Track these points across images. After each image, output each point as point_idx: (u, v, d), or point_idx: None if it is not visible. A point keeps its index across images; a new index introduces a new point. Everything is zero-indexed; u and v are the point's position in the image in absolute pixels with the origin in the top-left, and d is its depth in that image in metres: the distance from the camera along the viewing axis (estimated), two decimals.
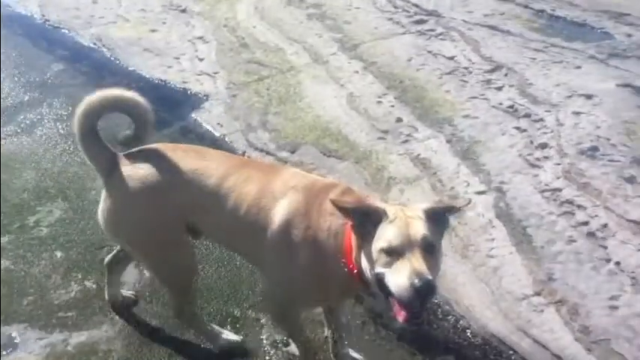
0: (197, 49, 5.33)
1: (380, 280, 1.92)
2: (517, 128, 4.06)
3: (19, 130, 4.39)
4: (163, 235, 2.40)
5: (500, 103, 4.33)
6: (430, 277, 1.81)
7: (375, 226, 1.94)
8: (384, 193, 3.60)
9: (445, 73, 4.74)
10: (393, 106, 4.41)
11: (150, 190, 2.34)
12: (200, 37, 5.50)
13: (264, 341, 2.83)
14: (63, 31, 5.74)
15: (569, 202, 3.42)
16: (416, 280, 1.79)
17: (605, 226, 3.25)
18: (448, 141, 4.00)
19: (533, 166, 3.72)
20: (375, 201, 2.20)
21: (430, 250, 1.90)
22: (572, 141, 3.88)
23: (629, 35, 5.09)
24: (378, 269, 1.91)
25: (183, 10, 6.00)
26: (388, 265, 1.88)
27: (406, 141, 4.04)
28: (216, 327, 2.81)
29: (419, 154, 3.90)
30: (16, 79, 5.04)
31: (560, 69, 4.68)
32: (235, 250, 2.80)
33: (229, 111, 4.52)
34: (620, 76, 4.51)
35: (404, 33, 5.37)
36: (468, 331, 2.85)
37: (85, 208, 3.58)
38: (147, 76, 4.97)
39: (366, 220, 1.96)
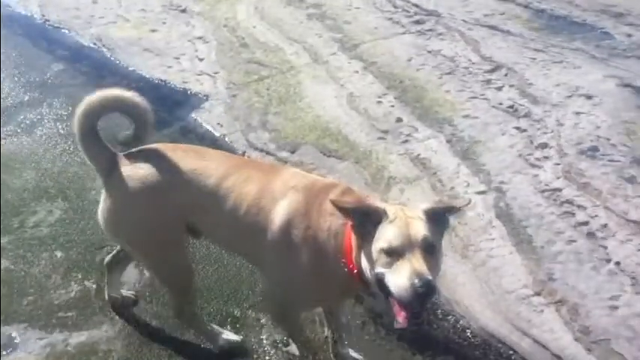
0: (197, 49, 5.33)
1: (380, 280, 1.91)
2: (517, 128, 4.06)
3: (19, 130, 4.39)
4: (163, 235, 2.40)
5: (501, 103, 4.33)
6: (430, 278, 1.81)
7: (375, 227, 1.94)
8: (384, 193, 3.60)
9: (445, 73, 4.74)
10: (393, 106, 4.41)
11: (150, 190, 2.34)
12: (200, 37, 5.50)
13: (264, 341, 2.83)
14: (63, 31, 5.73)
15: (569, 202, 3.42)
16: (416, 281, 1.79)
17: (605, 226, 3.25)
18: (448, 141, 4.00)
19: (533, 166, 3.72)
20: (375, 201, 2.19)
21: (430, 250, 1.90)
22: (572, 141, 3.88)
23: (629, 35, 5.09)
24: (378, 269, 1.91)
25: (184, 10, 6.00)
26: (388, 265, 1.88)
27: (406, 141, 4.04)
28: (216, 327, 2.81)
29: (419, 154, 3.90)
30: (16, 79, 5.03)
31: (560, 69, 4.68)
32: (235, 251, 2.79)
33: (229, 111, 4.52)
34: (621, 76, 4.51)
35: (404, 33, 5.37)
36: (467, 331, 2.85)
37: (85, 208, 3.58)
38: (147, 76, 4.97)
39: (366, 220, 1.96)
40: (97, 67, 5.16)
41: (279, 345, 2.81)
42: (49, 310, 2.97)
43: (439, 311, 2.92)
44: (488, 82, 4.59)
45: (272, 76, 4.88)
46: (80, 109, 2.32)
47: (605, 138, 3.88)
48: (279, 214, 2.20)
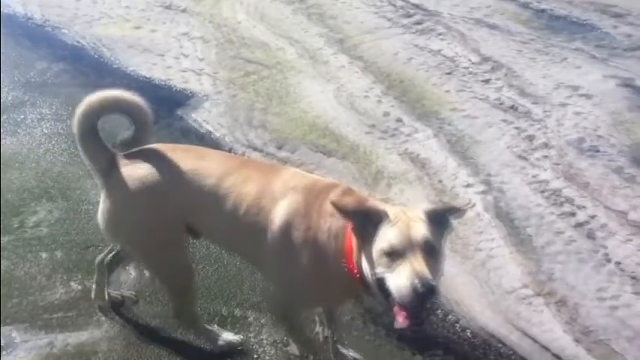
0: (197, 49, 5.32)
1: (380, 281, 1.91)
2: (517, 128, 4.07)
3: (19, 130, 4.39)
4: (163, 235, 2.39)
5: (500, 103, 4.33)
6: (431, 279, 1.80)
7: (376, 228, 1.94)
8: (383, 192, 3.60)
9: (445, 72, 4.74)
10: (392, 105, 4.41)
11: (149, 191, 2.33)
12: (200, 37, 5.49)
13: (264, 341, 2.83)
14: (63, 31, 5.73)
15: (569, 201, 3.42)
16: (417, 282, 1.79)
17: (605, 226, 3.25)
18: (448, 141, 4.01)
19: (533, 165, 3.72)
20: (376, 202, 2.19)
21: (431, 251, 1.89)
22: (572, 141, 3.88)
23: (629, 35, 5.09)
24: (379, 271, 1.90)
25: (184, 10, 6.00)
26: (389, 266, 1.87)
27: (406, 141, 4.04)
28: (216, 327, 2.81)
29: (419, 154, 3.90)
30: (16, 79, 5.03)
31: (561, 68, 4.68)
32: (235, 251, 2.79)
33: (229, 111, 4.51)
34: (620, 75, 4.51)
35: (403, 33, 5.37)
36: (467, 331, 2.85)
37: (85, 208, 3.57)
38: (147, 76, 4.97)
39: (367, 221, 1.95)
40: (96, 67, 5.15)
41: (279, 345, 2.80)
42: (50, 310, 2.97)
43: (439, 311, 2.93)
44: (488, 81, 4.59)
45: (272, 76, 4.88)
46: (80, 110, 2.32)
47: (605, 137, 3.88)
48: (279, 214, 2.19)
